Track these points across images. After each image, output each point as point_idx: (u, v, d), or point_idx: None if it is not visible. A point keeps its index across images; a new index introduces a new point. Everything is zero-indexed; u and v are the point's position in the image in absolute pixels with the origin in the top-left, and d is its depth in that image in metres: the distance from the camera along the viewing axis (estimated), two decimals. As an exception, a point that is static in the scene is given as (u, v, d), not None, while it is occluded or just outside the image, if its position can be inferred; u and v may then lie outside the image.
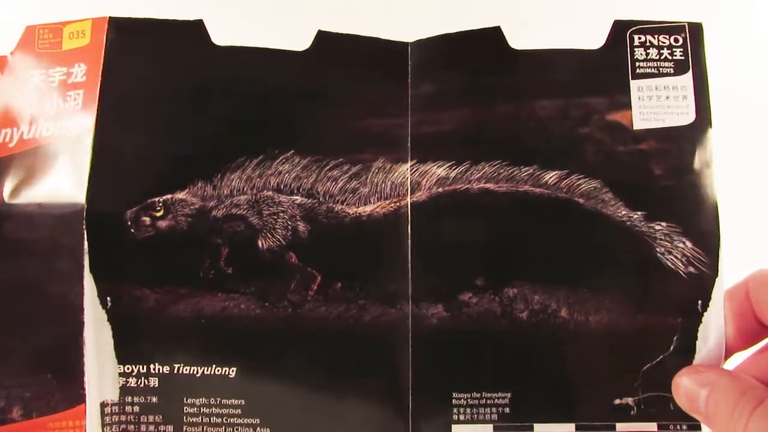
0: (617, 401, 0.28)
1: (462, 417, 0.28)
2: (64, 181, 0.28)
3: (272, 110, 0.29)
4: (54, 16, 0.30)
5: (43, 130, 0.29)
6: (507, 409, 0.28)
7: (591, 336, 0.28)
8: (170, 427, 0.28)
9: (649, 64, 0.29)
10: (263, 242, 0.28)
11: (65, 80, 0.29)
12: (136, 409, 0.28)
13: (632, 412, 0.27)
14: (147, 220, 0.28)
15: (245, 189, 0.29)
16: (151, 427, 0.28)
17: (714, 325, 0.27)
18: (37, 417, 0.28)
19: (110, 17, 0.29)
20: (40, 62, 0.30)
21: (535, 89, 0.29)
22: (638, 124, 0.28)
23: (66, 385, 0.28)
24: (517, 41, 0.30)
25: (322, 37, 0.30)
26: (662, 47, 0.29)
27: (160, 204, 0.28)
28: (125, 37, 0.29)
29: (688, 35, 0.29)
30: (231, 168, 0.28)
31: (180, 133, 0.29)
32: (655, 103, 0.28)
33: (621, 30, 0.29)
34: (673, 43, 0.29)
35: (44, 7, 0.42)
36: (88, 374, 0.27)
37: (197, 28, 0.29)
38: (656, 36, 0.29)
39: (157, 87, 0.29)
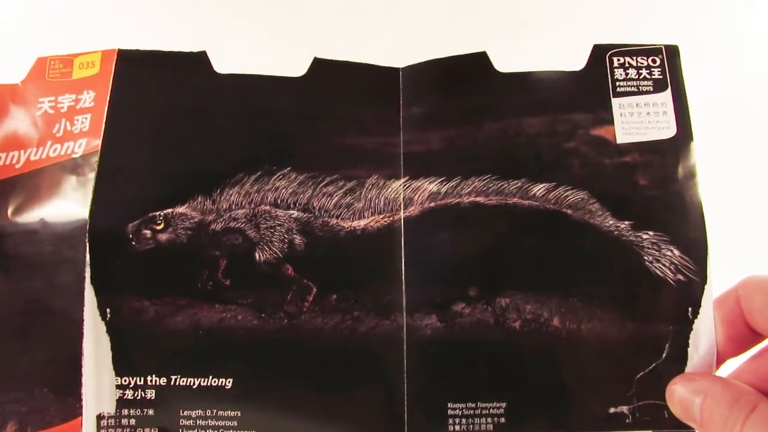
0: (612, 410, 0.28)
1: (457, 427, 0.28)
2: (68, 199, 0.29)
3: (270, 130, 0.30)
4: (63, 50, 0.32)
5: (50, 152, 0.30)
6: (502, 419, 0.28)
7: (584, 345, 0.28)
8: (166, 440, 0.28)
9: (629, 83, 0.30)
10: (260, 255, 0.29)
11: (74, 106, 0.31)
12: (132, 421, 0.28)
13: (627, 421, 0.27)
14: (148, 233, 0.28)
15: (243, 203, 0.30)
16: (147, 440, 0.28)
17: (705, 332, 0.27)
18: (32, 431, 0.28)
19: (119, 49, 0.31)
20: (49, 90, 0.31)
21: (520, 108, 0.30)
22: (621, 139, 0.29)
23: (62, 398, 0.28)
24: (502, 65, 0.31)
25: (318, 64, 0.31)
26: (641, 68, 0.30)
27: (161, 218, 0.29)
28: (133, 67, 0.31)
29: (665, 56, 0.30)
30: (230, 183, 0.29)
31: (181, 153, 0.30)
32: (637, 119, 0.29)
33: (600, 53, 0.30)
34: (651, 64, 0.30)
35: (54, 41, 0.45)
36: (86, 387, 0.27)
37: (200, 58, 0.31)
38: (634, 58, 0.30)
39: (160, 110, 0.30)
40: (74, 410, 0.28)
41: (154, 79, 0.31)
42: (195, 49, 0.31)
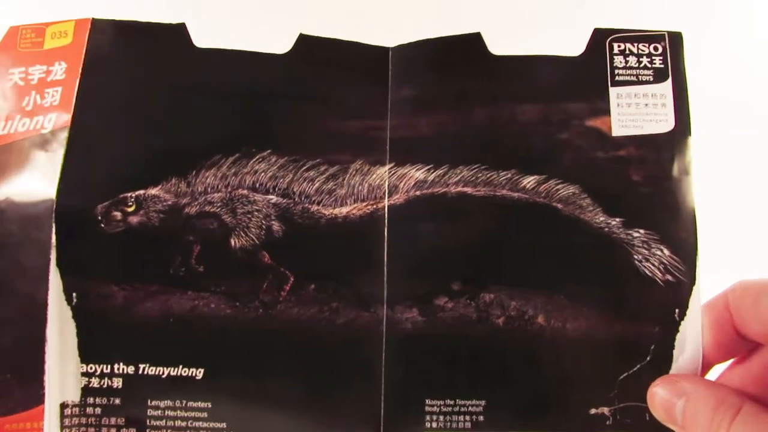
0: (593, 411, 0.27)
1: (435, 424, 0.27)
2: (36, 177, 0.27)
3: (250, 110, 0.29)
4: (38, 19, 0.30)
5: (19, 126, 0.29)
6: (481, 417, 0.27)
7: (568, 344, 0.27)
8: (132, 430, 0.27)
9: (629, 71, 0.29)
10: (236, 241, 0.28)
11: (44, 78, 0.29)
12: (98, 410, 0.27)
13: (608, 422, 0.27)
14: (118, 215, 0.27)
15: (220, 187, 0.28)
16: (113, 430, 0.27)
17: (691, 335, 0.27)
18: (-7, 417, 0.27)
19: (93, 18, 0.29)
20: (20, 61, 0.29)
21: (514, 94, 0.29)
22: (617, 131, 0.28)
23: (25, 385, 0.27)
24: (497, 47, 0.30)
25: (303, 40, 0.30)
26: (642, 55, 0.29)
27: (132, 199, 0.27)
28: (107, 37, 0.29)
29: (667, 44, 0.29)
30: (206, 165, 0.28)
31: (156, 131, 0.28)
32: (634, 110, 0.28)
33: (601, 38, 0.29)
34: (653, 52, 0.29)
35: (29, 10, 0.42)
36: (49, 373, 0.26)
37: (179, 31, 0.30)
38: (636, 44, 0.29)
39: (135, 85, 0.29)
40: (38, 397, 0.26)
41: (129, 51, 0.29)
42: (173, 21, 0.30)
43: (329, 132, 0.29)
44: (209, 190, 0.28)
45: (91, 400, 0.27)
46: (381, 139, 0.29)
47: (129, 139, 0.28)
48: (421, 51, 0.30)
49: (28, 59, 0.29)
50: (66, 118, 0.28)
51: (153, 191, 0.28)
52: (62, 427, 0.26)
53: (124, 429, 0.27)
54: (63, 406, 0.27)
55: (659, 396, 0.26)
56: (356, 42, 0.30)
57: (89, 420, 0.27)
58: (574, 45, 0.29)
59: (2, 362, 0.27)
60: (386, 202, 0.28)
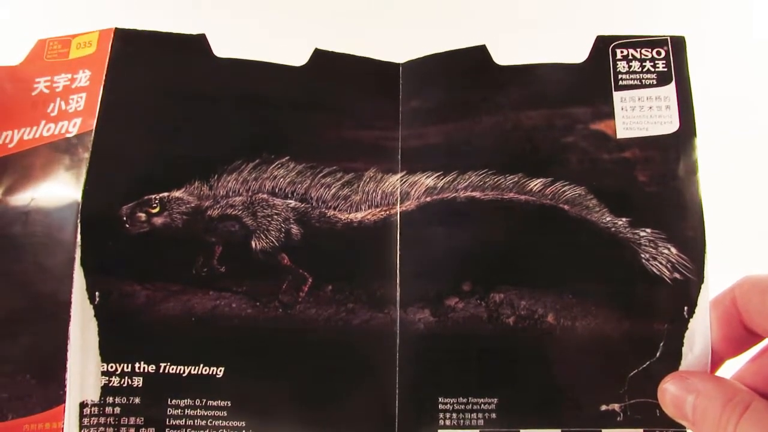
0: (604, 407, 0.27)
1: (448, 422, 0.27)
2: (60, 180, 0.28)
3: (269, 118, 0.30)
4: (65, 31, 0.31)
5: (44, 131, 0.30)
6: (493, 415, 0.27)
7: (577, 342, 0.28)
8: (152, 430, 0.27)
9: (632, 76, 0.30)
10: (257, 243, 0.29)
11: (69, 85, 0.30)
12: (117, 410, 0.27)
13: (618, 419, 0.27)
14: (142, 216, 0.28)
15: (241, 191, 0.29)
16: (132, 430, 0.27)
17: (700, 332, 0.27)
18: (13, 419, 0.27)
19: (116, 28, 0.31)
20: (46, 70, 0.31)
21: (519, 101, 0.30)
22: (621, 133, 0.29)
23: (45, 385, 0.27)
24: (502, 58, 0.31)
25: (319, 54, 0.31)
26: (644, 60, 0.30)
27: (157, 201, 0.28)
28: (130, 46, 0.30)
29: (670, 48, 0.30)
30: (228, 170, 0.29)
31: (178, 136, 0.29)
32: (638, 113, 0.29)
33: (603, 45, 0.30)
34: (656, 56, 0.30)
35: (56, 22, 0.44)
36: (70, 372, 0.27)
37: (199, 41, 0.31)
38: (638, 49, 0.30)
39: (158, 92, 0.30)
40: (57, 398, 0.27)
41: (151, 60, 0.30)
42: (194, 32, 0.31)
43: (344, 141, 0.30)
44: (231, 193, 0.29)
45: (110, 399, 0.27)
46: (393, 148, 0.30)
47: (152, 143, 0.29)
48: (429, 66, 0.31)
49: (53, 68, 0.31)
50: (91, 122, 0.29)
51: (177, 194, 0.29)
52: (81, 426, 0.27)
53: (143, 429, 0.27)
54: (82, 405, 0.27)
55: (670, 392, 0.26)
56: (369, 57, 0.31)
57: (108, 420, 0.27)
58: (577, 52, 0.30)
59: (22, 363, 0.27)
60: (398, 208, 0.29)
